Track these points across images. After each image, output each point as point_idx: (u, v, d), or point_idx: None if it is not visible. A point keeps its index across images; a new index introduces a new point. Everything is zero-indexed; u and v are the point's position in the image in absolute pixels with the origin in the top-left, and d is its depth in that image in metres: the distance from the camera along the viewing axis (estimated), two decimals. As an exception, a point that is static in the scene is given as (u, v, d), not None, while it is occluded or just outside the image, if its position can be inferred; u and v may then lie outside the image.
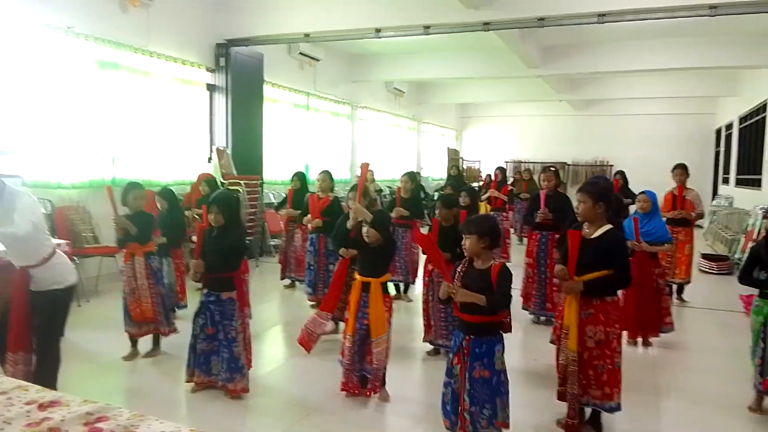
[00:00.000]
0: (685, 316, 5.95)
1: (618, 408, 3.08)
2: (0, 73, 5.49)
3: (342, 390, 3.59)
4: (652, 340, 4.79)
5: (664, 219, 5.87)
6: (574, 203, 3.65)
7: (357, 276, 3.61)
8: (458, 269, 2.84)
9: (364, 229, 3.54)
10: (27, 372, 3.16)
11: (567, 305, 3.07)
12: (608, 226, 3.08)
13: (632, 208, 6.08)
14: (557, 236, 5.31)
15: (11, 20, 5.47)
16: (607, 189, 3.18)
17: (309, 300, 5.81)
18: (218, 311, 3.52)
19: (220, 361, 3.54)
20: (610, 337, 3.03)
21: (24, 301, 3.14)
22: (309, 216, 5.72)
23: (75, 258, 5.62)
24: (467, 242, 2.78)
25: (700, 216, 6.21)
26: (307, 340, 4.24)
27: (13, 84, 5.58)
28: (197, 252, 3.59)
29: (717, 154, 14.52)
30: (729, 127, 12.95)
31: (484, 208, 9.59)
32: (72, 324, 4.79)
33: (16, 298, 3.15)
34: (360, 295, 3.54)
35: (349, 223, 3.84)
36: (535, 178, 11.54)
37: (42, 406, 1.71)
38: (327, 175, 5.86)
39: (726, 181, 12.88)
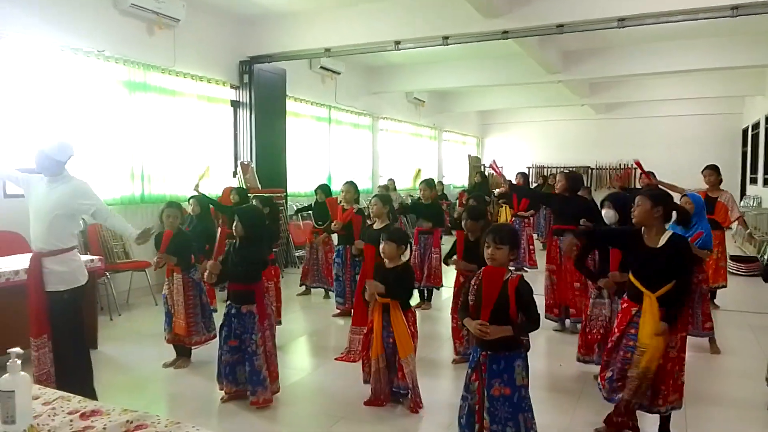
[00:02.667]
0: (714, 319, 5.86)
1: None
2: (36, 97, 5.72)
3: (367, 404, 3.64)
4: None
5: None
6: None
7: (377, 298, 3.60)
8: (472, 282, 2.78)
9: (382, 245, 3.58)
10: (51, 357, 3.35)
11: (644, 322, 2.92)
12: (670, 232, 2.98)
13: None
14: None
15: (46, 47, 5.71)
16: (667, 195, 3.07)
17: (336, 308, 5.91)
18: (239, 324, 3.58)
19: (245, 372, 3.60)
20: (684, 341, 3.03)
21: (39, 287, 3.30)
22: (335, 223, 5.83)
23: (107, 273, 5.82)
24: (498, 253, 2.68)
25: (741, 218, 6.01)
26: (347, 359, 4.44)
27: (48, 107, 5.81)
28: (216, 255, 3.62)
29: (744, 154, 14.26)
30: (756, 126, 12.72)
31: (504, 214, 9.59)
32: (105, 337, 5.02)
33: (31, 284, 3.32)
34: (381, 316, 3.57)
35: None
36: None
37: (84, 416, 1.80)
38: (352, 186, 5.92)
39: (754, 181, 12.64)
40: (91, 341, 4.66)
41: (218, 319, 5.19)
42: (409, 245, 3.71)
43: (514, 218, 8.72)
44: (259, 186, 8.09)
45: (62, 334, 3.36)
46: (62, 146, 3.34)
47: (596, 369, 4.23)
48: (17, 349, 1.61)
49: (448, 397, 3.90)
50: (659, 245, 2.95)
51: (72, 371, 3.39)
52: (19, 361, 1.59)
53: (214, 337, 4.47)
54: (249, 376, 3.55)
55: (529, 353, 2.77)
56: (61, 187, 3.31)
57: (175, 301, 4.37)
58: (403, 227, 11.30)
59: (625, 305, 3.12)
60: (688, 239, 4.47)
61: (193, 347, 4.50)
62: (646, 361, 2.91)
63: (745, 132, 14.28)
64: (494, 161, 5.83)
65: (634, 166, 5.96)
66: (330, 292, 6.79)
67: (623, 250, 3.17)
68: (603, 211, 4.07)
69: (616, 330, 3.15)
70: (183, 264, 4.38)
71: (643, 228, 3.03)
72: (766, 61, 9.14)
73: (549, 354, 4.84)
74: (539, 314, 2.72)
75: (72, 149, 3.39)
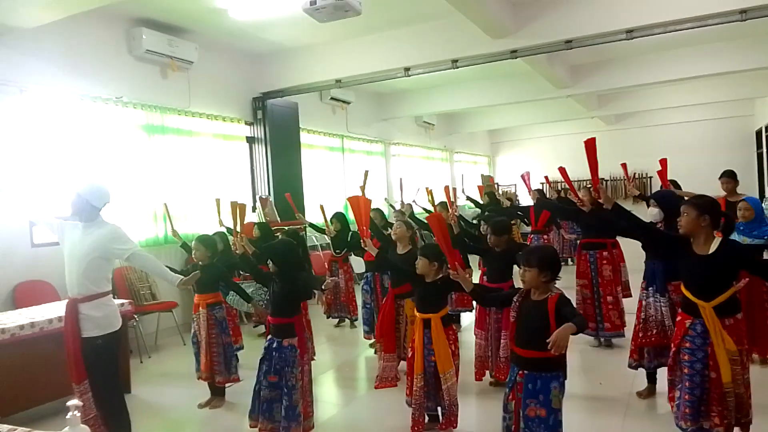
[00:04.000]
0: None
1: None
2: (59, 147, 5.81)
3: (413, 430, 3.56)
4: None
5: None
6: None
7: (416, 314, 3.62)
8: (515, 299, 2.79)
9: (417, 261, 3.60)
10: (95, 403, 3.33)
11: (711, 332, 2.84)
12: (720, 238, 2.93)
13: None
14: (605, 253, 5.26)
15: (66, 97, 5.83)
16: (714, 202, 2.99)
17: (365, 338, 5.86)
18: (280, 358, 3.54)
19: (282, 408, 3.55)
20: (743, 356, 2.89)
21: (75, 333, 3.28)
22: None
23: (135, 316, 5.83)
24: (527, 274, 2.70)
25: None
26: (387, 384, 4.33)
27: (71, 155, 5.90)
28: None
29: (759, 155, 14.13)
30: (770, 127, 12.63)
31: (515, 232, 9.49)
32: (137, 381, 5.01)
33: (68, 330, 3.31)
34: (423, 333, 3.54)
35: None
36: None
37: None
38: (378, 213, 5.95)
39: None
40: (124, 385, 4.65)
41: (246, 355, 5.24)
42: (444, 262, 3.67)
43: (532, 235, 8.63)
44: (279, 219, 8.13)
45: (97, 381, 3.36)
46: (100, 192, 3.39)
47: (640, 385, 4.18)
48: (76, 401, 1.60)
49: (485, 420, 3.84)
50: (710, 252, 2.88)
51: (108, 419, 3.37)
52: (78, 414, 1.58)
53: (237, 380, 4.48)
54: (285, 411, 3.48)
55: (564, 385, 2.69)
56: (97, 231, 3.34)
57: (201, 337, 4.40)
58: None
59: (679, 318, 3.05)
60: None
61: (218, 386, 4.47)
62: (723, 376, 2.80)
63: (758, 133, 14.16)
64: (527, 173, 5.88)
65: (645, 175, 5.88)
66: (354, 322, 6.77)
67: (673, 258, 3.10)
68: (648, 210, 4.02)
69: (672, 345, 3.08)
70: (232, 286, 4.55)
71: (691, 237, 2.97)
72: (771, 62, 9.09)
73: (586, 371, 4.75)
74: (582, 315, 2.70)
75: (109, 196, 3.43)
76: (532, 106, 13.84)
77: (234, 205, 4.27)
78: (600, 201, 5.32)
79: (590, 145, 3.44)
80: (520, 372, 2.67)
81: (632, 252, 4.17)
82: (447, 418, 3.50)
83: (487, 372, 4.47)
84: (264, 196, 8.28)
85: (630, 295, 5.44)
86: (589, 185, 5.80)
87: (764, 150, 13.38)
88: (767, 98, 12.53)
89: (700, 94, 12.52)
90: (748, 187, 13.53)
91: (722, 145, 14.89)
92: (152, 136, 6.72)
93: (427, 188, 4.65)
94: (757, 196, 13.48)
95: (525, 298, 2.76)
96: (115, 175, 6.27)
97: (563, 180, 5.25)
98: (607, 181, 16.50)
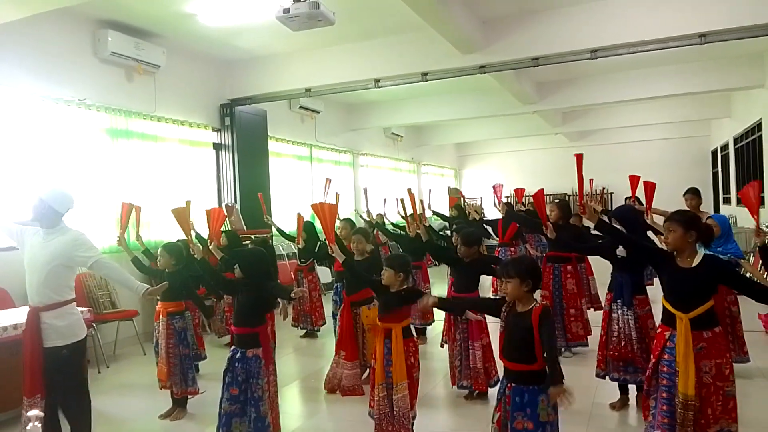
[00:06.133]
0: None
1: None
2: (19, 148, 5.63)
3: None
4: None
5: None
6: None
7: (378, 323, 3.62)
8: (503, 311, 2.78)
9: (383, 271, 3.58)
10: (44, 418, 3.18)
11: (678, 344, 2.86)
12: (703, 253, 2.97)
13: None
14: (569, 267, 5.38)
15: (27, 97, 5.65)
16: (697, 218, 3.04)
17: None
18: (244, 369, 3.46)
19: (247, 421, 3.46)
20: (723, 369, 2.88)
21: (36, 343, 3.17)
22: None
23: (94, 324, 5.65)
24: (508, 286, 2.70)
25: None
26: (353, 393, 4.32)
27: (32, 158, 5.72)
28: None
29: (715, 174, 14.65)
30: (724, 147, 13.12)
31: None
32: (95, 391, 4.78)
33: (28, 340, 3.20)
34: (383, 342, 3.53)
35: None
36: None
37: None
38: (348, 222, 5.90)
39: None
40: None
41: (210, 366, 5.13)
42: (409, 273, 3.66)
43: (499, 248, 8.70)
44: (245, 227, 8.03)
45: (62, 392, 3.25)
46: (63, 197, 3.29)
47: (602, 395, 4.25)
48: (36, 412, 1.54)
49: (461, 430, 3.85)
50: (693, 265, 2.92)
51: (73, 429, 3.26)
52: (39, 425, 1.52)
53: (195, 392, 4.38)
54: (254, 423, 3.41)
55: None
56: (59, 238, 3.23)
57: (160, 345, 4.32)
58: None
59: (660, 330, 3.08)
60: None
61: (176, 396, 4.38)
62: (681, 386, 2.85)
63: (714, 153, 14.71)
64: (499, 185, 5.98)
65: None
66: (316, 332, 6.72)
67: (656, 269, 3.15)
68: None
69: (652, 356, 3.10)
70: (193, 298, 4.52)
71: (676, 251, 3.00)
72: (731, 85, 9.48)
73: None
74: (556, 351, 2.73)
75: (72, 202, 3.34)
76: (498, 121, 14.08)
77: (175, 212, 4.11)
78: (567, 217, 5.47)
79: (579, 160, 3.49)
80: (509, 384, 2.68)
81: (605, 266, 4.22)
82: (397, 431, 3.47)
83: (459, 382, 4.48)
84: (230, 204, 8.18)
85: (601, 308, 5.54)
86: (557, 200, 5.92)
87: (719, 169, 13.90)
88: (722, 120, 13.03)
89: (661, 113, 12.95)
90: (704, 204, 13.99)
91: (680, 164, 15.41)
92: (116, 140, 6.57)
93: (409, 190, 4.72)
94: (712, 213, 13.99)
95: (511, 310, 2.77)
96: (77, 179, 6.09)
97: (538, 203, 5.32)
98: (570, 196, 16.84)
